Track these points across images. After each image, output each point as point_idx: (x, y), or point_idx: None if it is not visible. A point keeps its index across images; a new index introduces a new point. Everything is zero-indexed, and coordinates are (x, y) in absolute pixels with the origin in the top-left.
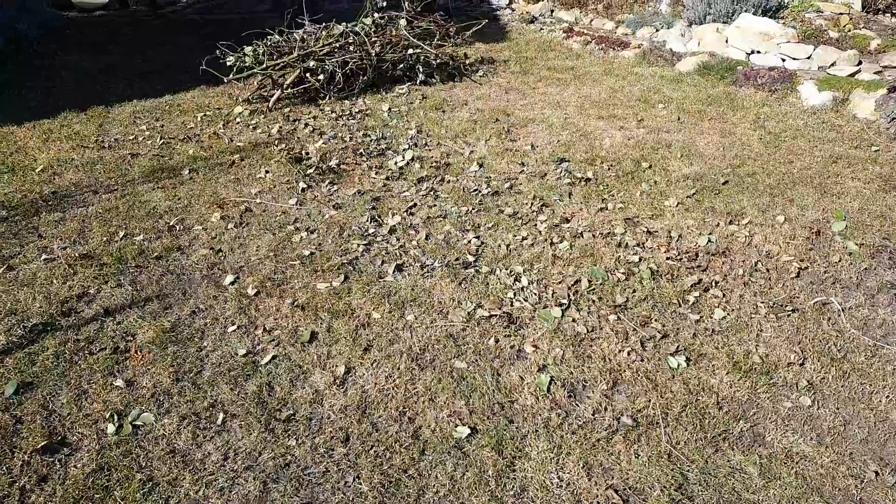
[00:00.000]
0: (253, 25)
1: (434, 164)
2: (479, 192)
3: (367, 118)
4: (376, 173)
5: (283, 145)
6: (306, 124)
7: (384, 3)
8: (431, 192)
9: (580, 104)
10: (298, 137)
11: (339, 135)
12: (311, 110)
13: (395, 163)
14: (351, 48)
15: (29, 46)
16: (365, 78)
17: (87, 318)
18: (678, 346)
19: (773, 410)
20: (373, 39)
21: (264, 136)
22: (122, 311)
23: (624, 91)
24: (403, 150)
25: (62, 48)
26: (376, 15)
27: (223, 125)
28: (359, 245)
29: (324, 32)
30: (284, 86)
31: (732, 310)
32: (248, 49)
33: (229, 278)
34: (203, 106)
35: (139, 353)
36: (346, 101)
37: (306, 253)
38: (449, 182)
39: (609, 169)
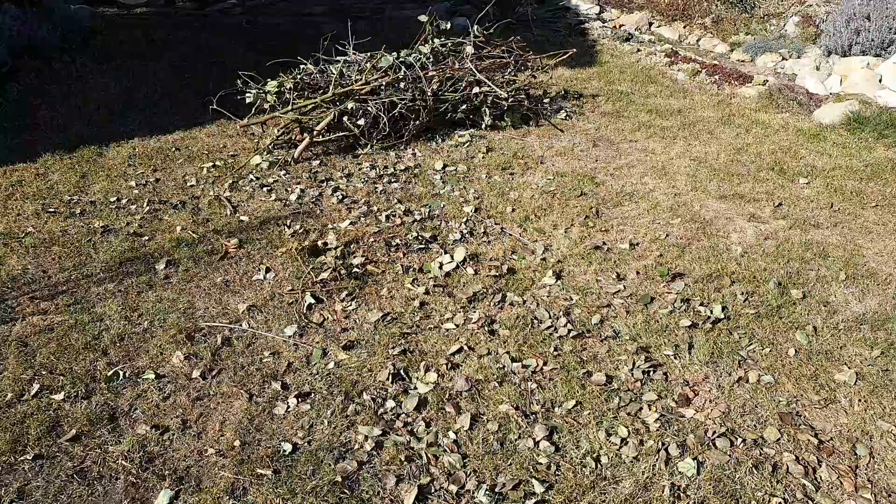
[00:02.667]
0: (306, 31)
1: (494, 268)
2: (555, 330)
3: (413, 181)
4: (413, 281)
5: (299, 225)
6: (336, 188)
7: (447, 26)
8: (486, 325)
9: (692, 171)
10: (321, 210)
11: (375, 208)
12: (345, 164)
13: (441, 265)
14: (402, 85)
15: (44, 59)
16: (417, 122)
17: None
18: None
19: None
20: (430, 75)
21: (279, 204)
22: None
23: (749, 152)
24: (454, 241)
25: (86, 60)
26: (436, 41)
27: (232, 183)
28: (367, 437)
29: (368, 64)
30: (315, 131)
31: None
32: (271, 84)
33: (164, 498)
34: (216, 150)
35: None
36: (391, 153)
37: (287, 448)
38: (512, 305)
39: (745, 300)
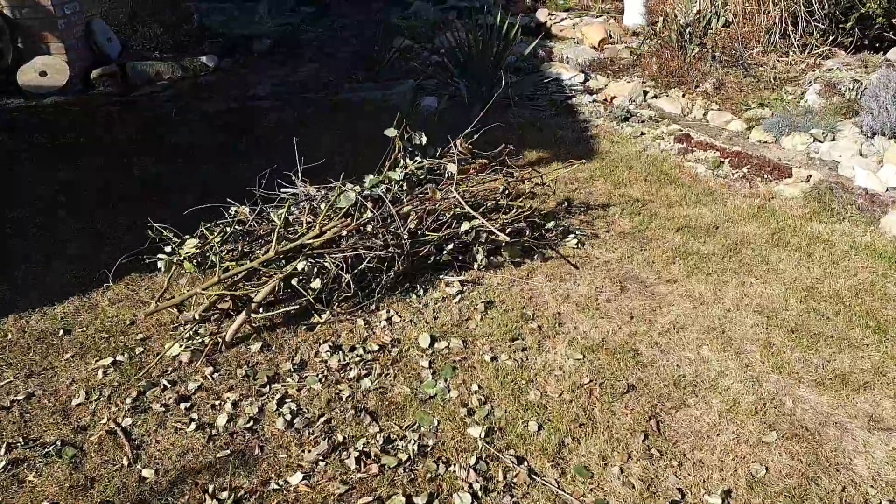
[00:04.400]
0: (248, 120)
1: None
2: None
3: (391, 370)
4: None
5: (229, 490)
6: (283, 397)
7: (422, 140)
8: None
9: (763, 335)
10: (262, 445)
11: (340, 437)
12: (297, 343)
13: None
14: (369, 228)
15: None
16: (390, 274)
17: None
18: None
19: None
20: (405, 210)
21: (201, 438)
22: None
23: (823, 292)
24: None
25: None
26: (410, 164)
27: (137, 397)
28: None
29: (323, 204)
30: (253, 304)
31: None
32: (189, 244)
33: None
34: (120, 330)
35: None
36: (359, 319)
37: None
38: None
39: None
